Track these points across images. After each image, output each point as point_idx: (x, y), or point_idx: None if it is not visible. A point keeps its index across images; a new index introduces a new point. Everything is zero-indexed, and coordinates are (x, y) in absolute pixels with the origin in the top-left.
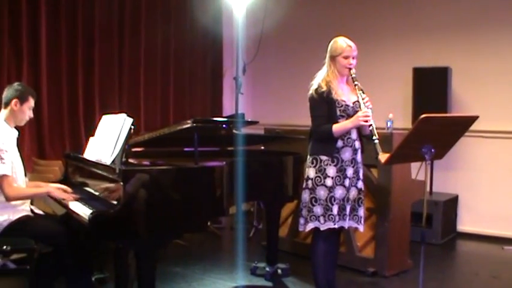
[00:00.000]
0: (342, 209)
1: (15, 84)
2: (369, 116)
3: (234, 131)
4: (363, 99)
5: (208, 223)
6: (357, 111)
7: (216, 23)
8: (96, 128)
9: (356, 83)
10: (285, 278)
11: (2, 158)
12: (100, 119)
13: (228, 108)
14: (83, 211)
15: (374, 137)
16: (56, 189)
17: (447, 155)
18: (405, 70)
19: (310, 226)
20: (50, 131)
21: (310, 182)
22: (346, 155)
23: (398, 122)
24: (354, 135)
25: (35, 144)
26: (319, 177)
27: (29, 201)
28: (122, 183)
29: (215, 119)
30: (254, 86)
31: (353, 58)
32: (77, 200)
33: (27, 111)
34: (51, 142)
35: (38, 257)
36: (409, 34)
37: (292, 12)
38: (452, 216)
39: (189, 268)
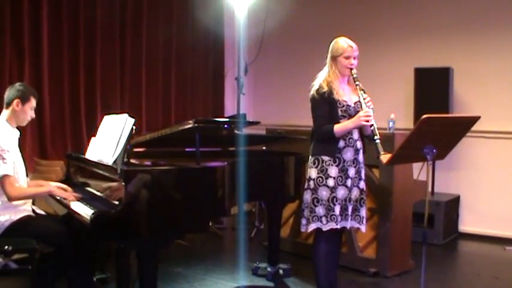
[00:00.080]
0: (344, 209)
1: (17, 85)
2: (370, 116)
3: (236, 131)
4: (364, 99)
5: (210, 223)
6: (358, 112)
7: (217, 23)
8: (97, 128)
9: (357, 83)
10: (286, 278)
11: (4, 158)
12: (102, 119)
13: (229, 109)
14: (85, 211)
15: (375, 137)
16: (57, 188)
17: (449, 155)
18: (407, 70)
19: (312, 227)
20: (51, 131)
21: (312, 182)
22: (348, 155)
23: (400, 122)
24: (356, 135)
25: (36, 145)
26: (321, 177)
27: (30, 201)
28: (123, 184)
29: (217, 119)
30: (256, 87)
31: (354, 58)
32: (78, 199)
33: (29, 112)
34: (52, 142)
35: (40, 257)
36: (411, 34)
37: (293, 12)
38: (454, 216)
39: (190, 268)
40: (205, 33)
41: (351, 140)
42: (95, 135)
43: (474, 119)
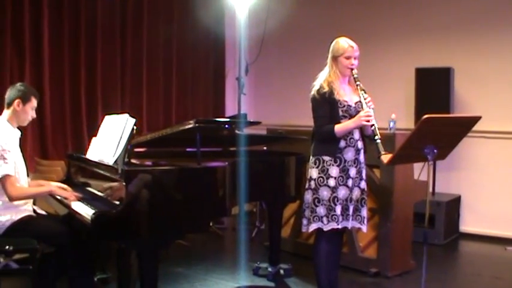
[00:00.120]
0: (345, 209)
1: (18, 85)
2: (370, 116)
3: (237, 131)
4: (364, 99)
5: (211, 223)
6: (359, 112)
7: (218, 23)
8: (98, 128)
9: (358, 83)
10: (287, 278)
11: (5, 158)
12: (102, 119)
13: (230, 109)
14: (85, 211)
15: (376, 137)
16: (58, 187)
17: (450, 155)
18: (407, 70)
19: (313, 227)
20: (52, 131)
21: (313, 182)
22: (349, 155)
23: (401, 122)
24: (357, 135)
25: (37, 145)
26: (322, 177)
27: (31, 201)
28: (124, 184)
29: (217, 119)
30: (256, 87)
31: (355, 58)
32: (79, 199)
33: (29, 112)
34: (53, 142)
35: (41, 257)
36: (412, 34)
37: (294, 12)
38: (455, 216)
39: (191, 268)
40: (206, 33)
41: (351, 140)
42: (95, 135)
43: (475, 119)
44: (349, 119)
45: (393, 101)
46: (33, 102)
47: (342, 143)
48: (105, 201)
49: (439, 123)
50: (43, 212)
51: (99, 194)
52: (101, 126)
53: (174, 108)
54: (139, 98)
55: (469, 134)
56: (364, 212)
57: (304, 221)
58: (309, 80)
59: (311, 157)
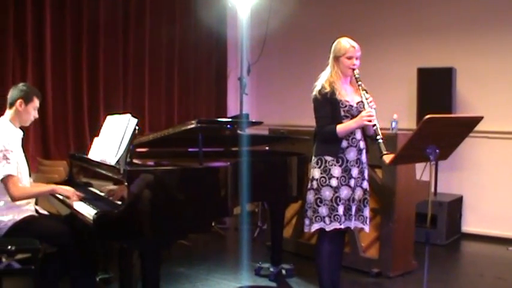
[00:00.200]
0: (347, 209)
1: (20, 85)
2: (372, 116)
3: (239, 131)
4: (366, 99)
5: (213, 223)
6: (360, 112)
7: (220, 23)
8: (100, 128)
9: (360, 83)
10: (289, 278)
11: (7, 158)
12: (104, 119)
13: (232, 109)
14: (88, 211)
15: (378, 137)
16: (60, 187)
17: (452, 155)
18: (409, 70)
19: (316, 227)
20: (54, 131)
21: (315, 182)
22: (351, 155)
23: (403, 122)
24: (359, 135)
25: (39, 145)
26: (324, 177)
27: (33, 201)
28: (126, 184)
29: (219, 119)
30: (258, 87)
31: (356, 59)
32: (81, 199)
33: (32, 112)
34: (55, 142)
35: (43, 257)
36: (414, 34)
37: (296, 13)
38: (457, 217)
39: (193, 268)
40: (208, 33)
41: (353, 140)
42: (97, 135)
43: (477, 119)
44: (351, 119)
45: (395, 101)
46: (36, 103)
47: (344, 143)
48: (107, 201)
49: (441, 124)
50: (45, 212)
51: (101, 194)
52: (103, 126)
53: (176, 108)
54: (142, 98)
55: (471, 134)
56: (367, 212)
57: (306, 221)
58: (310, 80)
59: (313, 157)
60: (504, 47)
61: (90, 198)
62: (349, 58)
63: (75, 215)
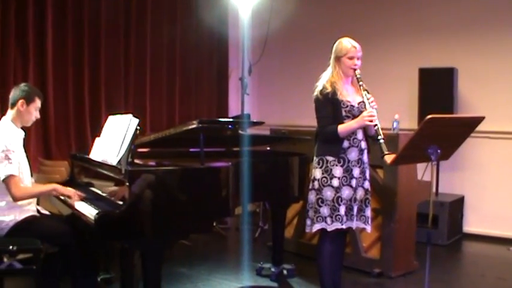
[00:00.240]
0: (349, 210)
1: (22, 85)
2: (374, 116)
3: (240, 131)
4: (368, 99)
5: (214, 224)
6: (362, 112)
7: (222, 23)
8: (102, 128)
9: (361, 83)
10: (290, 278)
11: (9, 158)
12: (106, 119)
13: (233, 109)
14: (89, 211)
15: (379, 137)
16: (61, 186)
17: (453, 155)
18: (411, 71)
19: (317, 227)
20: (56, 132)
21: (316, 182)
22: (353, 155)
23: (404, 122)
24: (360, 135)
25: (41, 145)
26: (325, 177)
27: (35, 201)
28: (127, 184)
29: (221, 119)
30: (260, 87)
31: (358, 59)
32: (82, 199)
33: (33, 112)
34: (57, 142)
35: (44, 257)
36: (415, 35)
37: (297, 13)
38: (458, 217)
39: (194, 269)
40: (209, 33)
41: (355, 140)
42: (99, 136)
43: (478, 120)
44: (352, 119)
45: (396, 101)
46: (37, 103)
47: (346, 143)
48: (109, 201)
49: (443, 124)
50: (47, 212)
51: (103, 194)
52: (105, 126)
53: (177, 109)
54: (143, 98)
55: (473, 134)
56: (369, 212)
57: (308, 222)
58: (312, 80)
59: (314, 157)
60: (506, 47)
61: (91, 198)
62: (351, 58)
63: (76, 215)
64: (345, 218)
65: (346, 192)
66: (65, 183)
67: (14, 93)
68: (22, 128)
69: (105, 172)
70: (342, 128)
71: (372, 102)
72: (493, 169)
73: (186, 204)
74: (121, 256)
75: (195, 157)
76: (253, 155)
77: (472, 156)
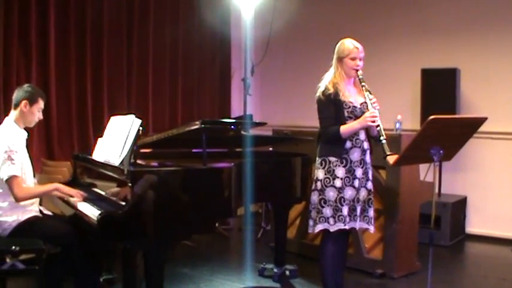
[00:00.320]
0: (352, 210)
1: (25, 86)
2: (376, 117)
3: (242, 132)
4: (370, 100)
5: (216, 224)
6: (364, 113)
7: (224, 24)
8: (104, 128)
9: (363, 84)
10: (293, 279)
11: (12, 159)
12: (108, 119)
13: (236, 110)
14: (91, 212)
15: (382, 138)
16: (64, 186)
17: (456, 156)
18: (413, 71)
19: (319, 227)
20: (58, 132)
21: (319, 183)
22: (355, 155)
23: (407, 123)
24: (362, 136)
25: (43, 145)
26: (328, 178)
27: (37, 201)
28: (130, 184)
29: (223, 120)
30: (262, 87)
31: (360, 60)
32: (85, 200)
33: (36, 113)
34: (59, 143)
35: (47, 257)
36: (418, 35)
37: (300, 13)
38: (461, 217)
39: (197, 269)
40: (212, 34)
41: (357, 140)
42: (101, 136)
43: (481, 120)
44: (355, 120)
45: (399, 102)
46: (40, 104)
47: (348, 144)
48: (111, 201)
49: (445, 124)
50: (49, 213)
51: (105, 194)
52: (107, 126)
53: (180, 109)
54: (145, 99)
55: (475, 135)
56: (371, 213)
57: (311, 222)
58: (314, 81)
59: (317, 158)
60: (508, 47)
61: (94, 199)
62: (353, 59)
63: (79, 215)
64: (347, 219)
65: (348, 193)
66: (67, 184)
67: (17, 94)
68: (25, 129)
69: (108, 173)
70: (344, 129)
71: (374, 103)
72: (496, 170)
73: (189, 205)
74: (123, 256)
75: (197, 158)
76: (256, 155)
77: (475, 157)
